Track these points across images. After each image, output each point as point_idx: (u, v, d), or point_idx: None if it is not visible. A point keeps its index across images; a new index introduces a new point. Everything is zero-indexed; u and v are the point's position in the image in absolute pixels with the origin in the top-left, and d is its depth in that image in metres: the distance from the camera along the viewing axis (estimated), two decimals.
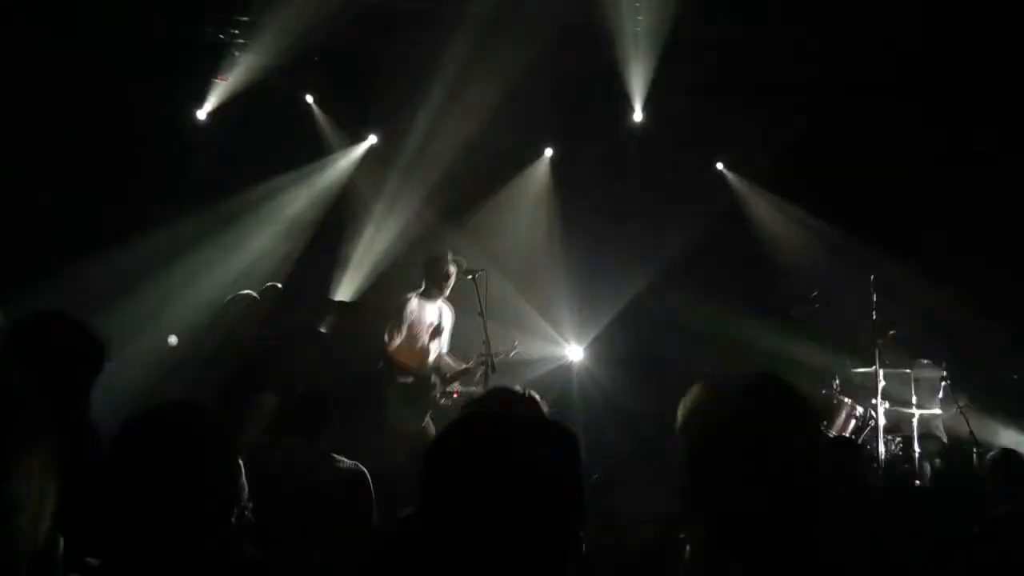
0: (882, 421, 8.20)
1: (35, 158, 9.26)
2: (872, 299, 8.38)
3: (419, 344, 8.21)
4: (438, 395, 8.18)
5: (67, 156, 9.35)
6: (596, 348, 10.01)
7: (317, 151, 10.96)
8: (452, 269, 8.19)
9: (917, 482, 8.07)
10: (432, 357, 8.26)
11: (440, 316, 8.32)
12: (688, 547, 4.91)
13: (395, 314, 8.20)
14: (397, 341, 8.14)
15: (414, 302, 8.23)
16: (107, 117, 9.44)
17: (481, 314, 7.73)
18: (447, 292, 8.27)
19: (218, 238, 10.15)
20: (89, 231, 9.30)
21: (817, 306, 9.07)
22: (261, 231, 10.46)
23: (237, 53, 10.21)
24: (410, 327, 8.17)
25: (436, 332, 8.24)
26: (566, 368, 9.68)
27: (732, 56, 9.78)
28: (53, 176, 9.22)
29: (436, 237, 10.10)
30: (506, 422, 1.79)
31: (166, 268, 9.82)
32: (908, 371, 8.57)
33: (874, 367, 8.33)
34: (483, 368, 7.81)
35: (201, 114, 10.53)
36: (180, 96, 10.34)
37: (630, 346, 9.91)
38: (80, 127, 9.34)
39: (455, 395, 8.32)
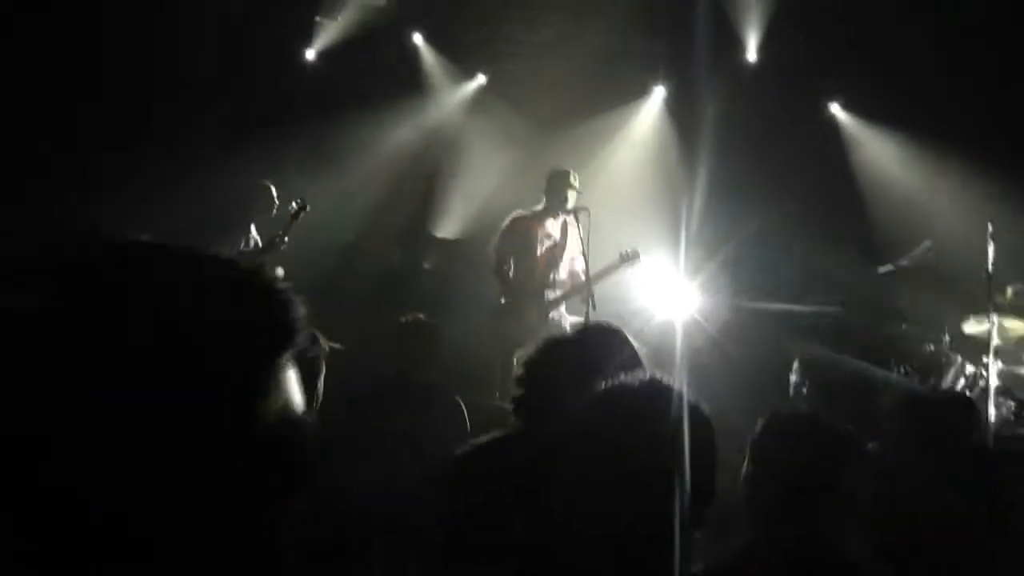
0: (994, 382, 7.84)
1: (139, 94, 9.45)
2: (988, 249, 7.93)
3: (538, 264, 8.02)
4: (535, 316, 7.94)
5: (175, 94, 9.53)
6: (703, 291, 9.86)
7: (425, 91, 10.93)
8: (575, 182, 7.98)
9: None
10: (561, 275, 8.06)
11: (564, 232, 8.08)
12: None
13: (503, 236, 8.09)
14: (512, 263, 8.02)
15: (525, 221, 8.07)
16: (215, 55, 9.58)
17: (583, 253, 7.70)
18: (571, 205, 7.90)
19: (323, 177, 10.22)
20: (192, 167, 9.34)
21: (930, 254, 8.79)
22: (366, 169, 10.47)
23: None
24: (525, 247, 8.02)
25: (559, 249, 8.05)
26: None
27: None
28: (159, 111, 9.42)
29: (543, 175, 10.09)
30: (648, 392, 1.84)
31: None
32: None
33: (987, 324, 7.98)
34: (589, 299, 7.66)
35: (310, 54, 10.60)
36: (289, 36, 10.40)
37: (736, 291, 9.78)
38: (187, 65, 9.47)
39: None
